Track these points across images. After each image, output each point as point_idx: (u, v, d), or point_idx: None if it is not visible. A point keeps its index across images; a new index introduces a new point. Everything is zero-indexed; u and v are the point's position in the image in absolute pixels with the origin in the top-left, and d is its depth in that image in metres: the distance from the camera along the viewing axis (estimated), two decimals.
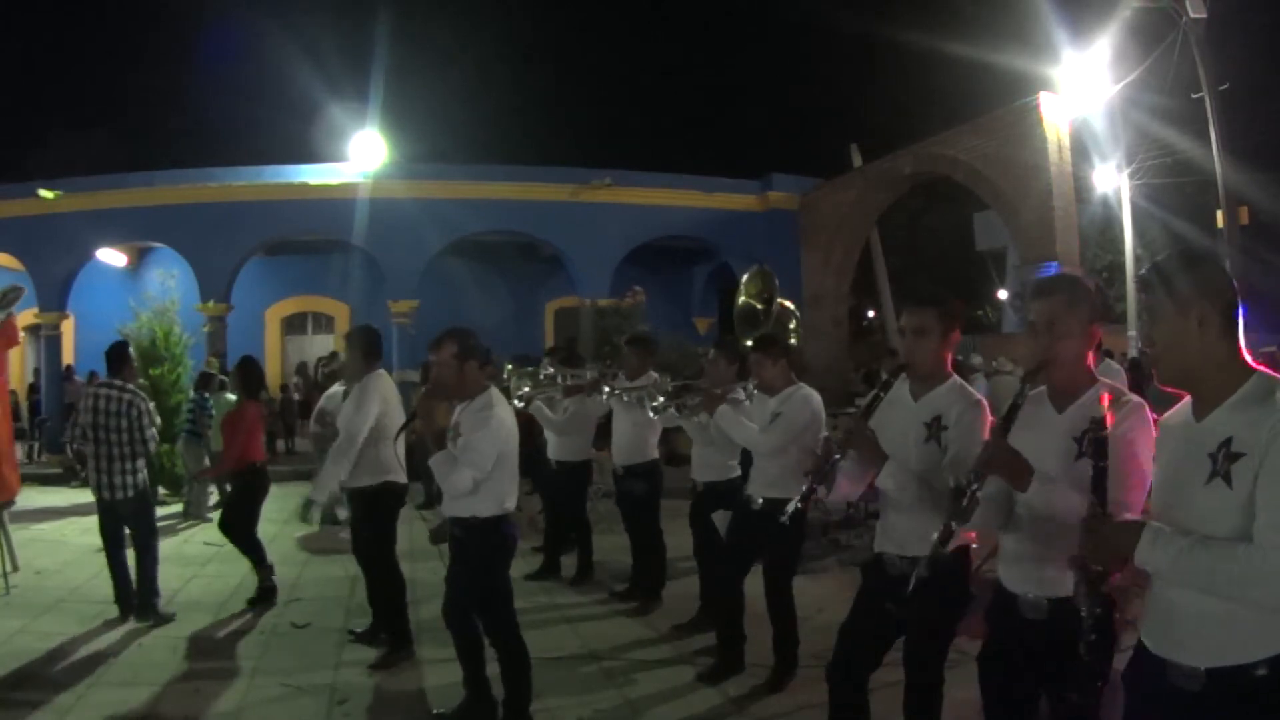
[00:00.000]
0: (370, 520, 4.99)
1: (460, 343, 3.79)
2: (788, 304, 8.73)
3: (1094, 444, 2.03)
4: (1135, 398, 2.36)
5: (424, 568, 6.33)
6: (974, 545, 2.98)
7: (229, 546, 7.11)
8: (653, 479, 5.86)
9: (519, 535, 4.01)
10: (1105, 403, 2.15)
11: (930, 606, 2.82)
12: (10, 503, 6.95)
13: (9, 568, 6.62)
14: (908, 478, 2.88)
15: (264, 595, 6.00)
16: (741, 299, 8.21)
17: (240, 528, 6.14)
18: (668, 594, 5.82)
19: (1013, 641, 2.48)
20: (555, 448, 6.54)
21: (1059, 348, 2.38)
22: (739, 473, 5.15)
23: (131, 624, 5.47)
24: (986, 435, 2.80)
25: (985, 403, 2.95)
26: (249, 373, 6.71)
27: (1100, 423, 2.04)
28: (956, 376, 3.00)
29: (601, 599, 6.05)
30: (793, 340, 8.61)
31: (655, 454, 5.93)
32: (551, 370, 6.36)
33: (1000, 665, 2.51)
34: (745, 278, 8.39)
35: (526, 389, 6.00)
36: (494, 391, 3.89)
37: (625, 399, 5.75)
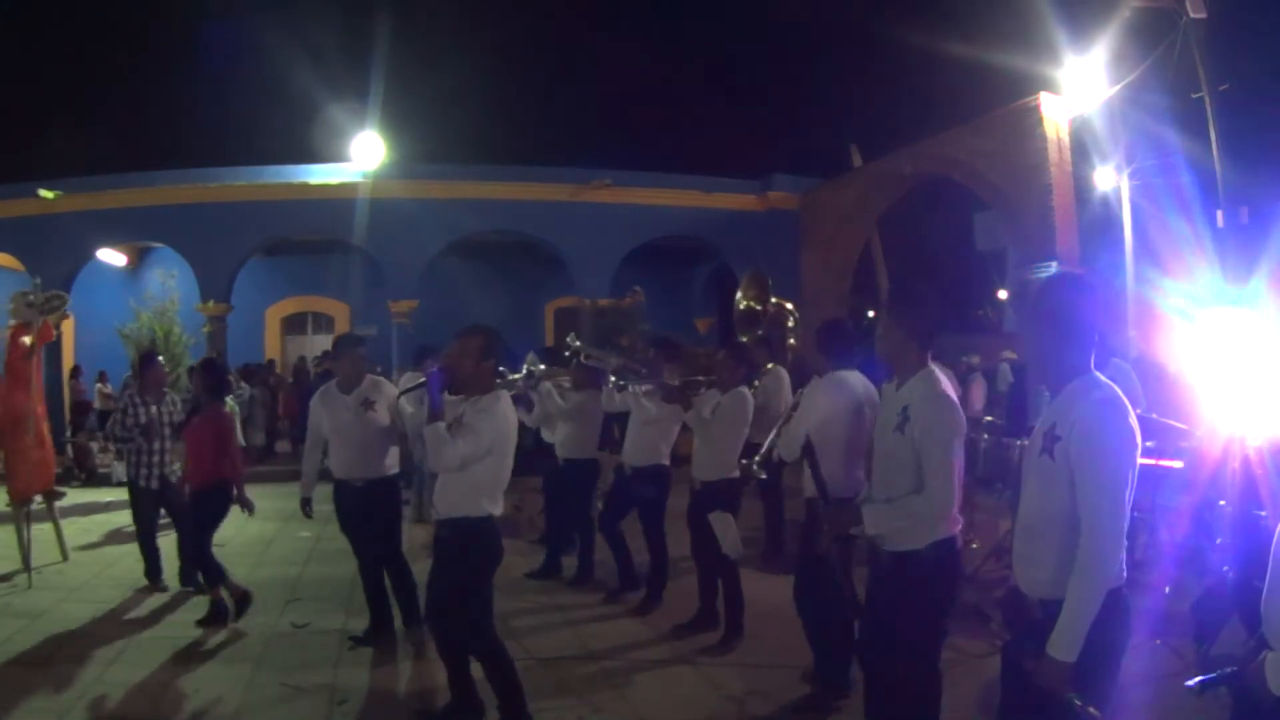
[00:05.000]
0: (389, 508, 5.15)
1: (488, 339, 3.88)
2: (786, 304, 8.77)
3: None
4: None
5: (422, 567, 6.32)
6: (974, 546, 3.00)
7: (229, 546, 7.11)
8: (661, 482, 5.84)
9: (510, 538, 4.01)
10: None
11: (917, 600, 2.92)
12: (56, 494, 7.35)
13: (62, 556, 7.06)
14: (884, 467, 3.07)
15: (216, 615, 5.47)
16: (743, 304, 8.32)
17: (197, 553, 5.58)
18: (668, 594, 5.82)
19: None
20: (563, 445, 6.56)
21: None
22: (738, 474, 5.16)
23: (131, 623, 5.47)
24: (950, 426, 2.92)
25: (950, 393, 3.03)
26: (214, 375, 6.11)
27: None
28: (932, 367, 3.09)
29: (601, 599, 6.05)
30: (791, 340, 8.69)
31: (666, 459, 5.86)
32: (578, 344, 6.38)
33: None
34: (743, 281, 8.51)
35: (541, 367, 6.09)
36: (503, 393, 3.93)
37: (632, 397, 5.80)
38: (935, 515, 2.91)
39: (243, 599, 5.47)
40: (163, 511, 6.38)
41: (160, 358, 6.98)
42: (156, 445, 6.23)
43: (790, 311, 8.74)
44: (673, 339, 6.94)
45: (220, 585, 5.49)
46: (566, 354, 6.27)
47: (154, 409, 6.27)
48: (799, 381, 7.62)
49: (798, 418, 4.12)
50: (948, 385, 3.07)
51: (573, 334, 6.91)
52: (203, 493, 5.63)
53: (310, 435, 5.38)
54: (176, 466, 6.31)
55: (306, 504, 5.36)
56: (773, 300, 8.79)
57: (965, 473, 3.15)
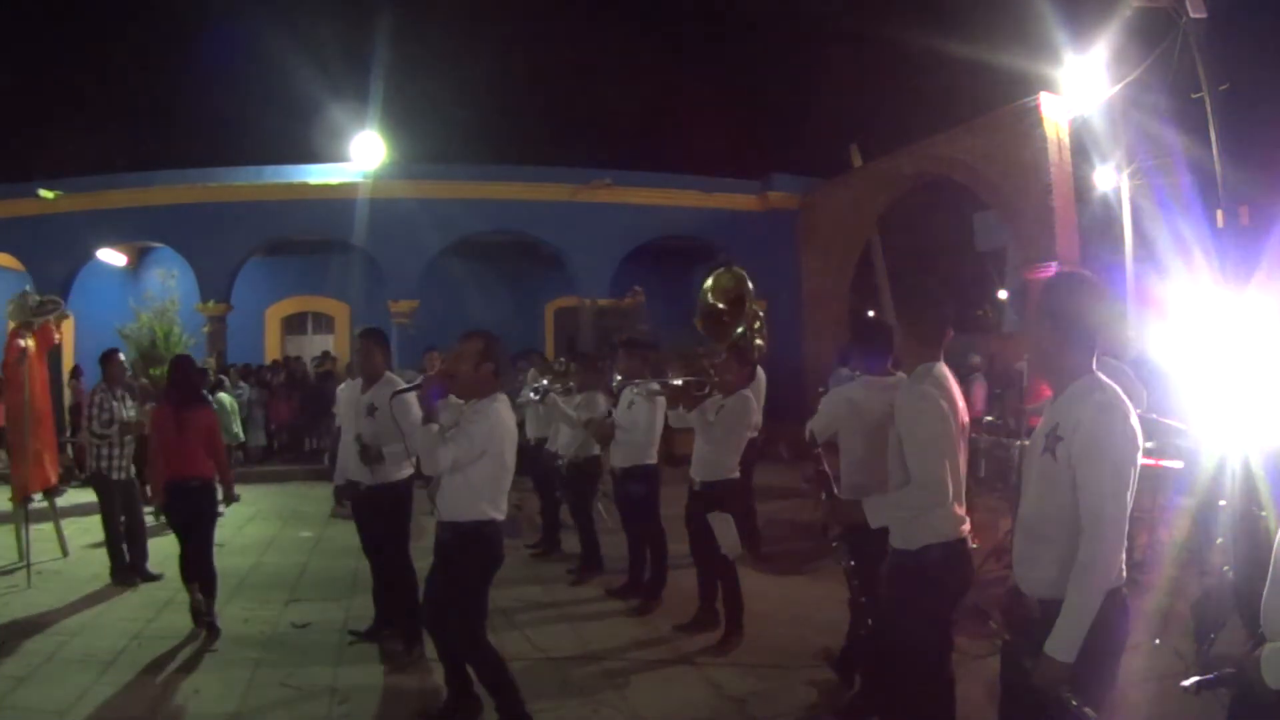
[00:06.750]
0: (394, 514, 5.05)
1: (487, 343, 3.90)
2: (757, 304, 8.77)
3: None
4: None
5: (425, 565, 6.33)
6: (974, 546, 3.01)
7: (229, 546, 7.12)
8: (649, 483, 5.86)
9: (514, 534, 4.02)
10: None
11: (911, 599, 2.96)
12: (56, 490, 7.47)
13: (62, 552, 7.22)
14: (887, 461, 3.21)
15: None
16: (709, 299, 8.24)
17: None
18: (667, 594, 5.83)
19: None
20: (567, 445, 6.70)
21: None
22: (738, 474, 5.16)
23: (131, 623, 5.47)
24: (920, 416, 2.97)
25: (933, 390, 3.03)
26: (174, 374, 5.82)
27: None
28: (927, 366, 3.08)
29: (601, 599, 6.05)
30: (758, 340, 8.65)
31: (653, 459, 5.93)
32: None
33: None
34: (713, 276, 8.45)
35: (545, 381, 6.28)
36: (502, 397, 3.94)
37: (637, 397, 5.83)
38: (922, 504, 2.92)
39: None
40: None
41: (121, 355, 7.15)
42: (128, 439, 6.71)
43: (756, 312, 8.71)
44: (636, 337, 7.02)
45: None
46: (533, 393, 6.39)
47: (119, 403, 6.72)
48: (770, 381, 7.62)
49: (812, 421, 4.12)
50: (936, 383, 2.99)
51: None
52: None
53: (341, 427, 5.39)
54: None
55: (338, 492, 5.26)
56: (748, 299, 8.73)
57: (967, 473, 3.15)
